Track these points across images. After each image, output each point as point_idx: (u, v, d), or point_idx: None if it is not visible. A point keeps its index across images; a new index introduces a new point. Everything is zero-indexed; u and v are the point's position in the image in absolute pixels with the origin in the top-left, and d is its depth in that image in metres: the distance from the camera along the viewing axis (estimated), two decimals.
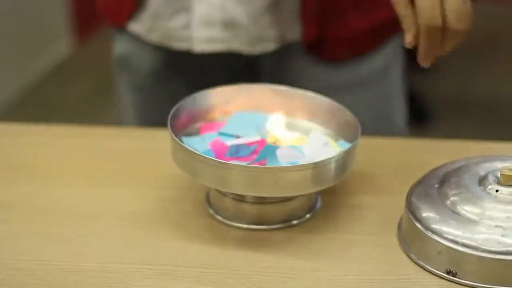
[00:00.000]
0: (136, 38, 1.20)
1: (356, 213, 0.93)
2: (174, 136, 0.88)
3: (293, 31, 1.14)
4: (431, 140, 1.09)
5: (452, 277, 0.81)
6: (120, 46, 1.24)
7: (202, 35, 1.13)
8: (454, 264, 0.81)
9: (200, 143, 0.91)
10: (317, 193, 0.93)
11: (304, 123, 0.96)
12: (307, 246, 0.87)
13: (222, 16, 1.11)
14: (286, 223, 0.90)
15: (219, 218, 0.91)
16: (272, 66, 1.19)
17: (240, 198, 0.89)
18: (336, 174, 0.87)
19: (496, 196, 0.83)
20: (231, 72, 1.18)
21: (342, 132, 0.93)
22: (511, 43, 3.31)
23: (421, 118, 2.74)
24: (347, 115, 0.93)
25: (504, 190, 0.84)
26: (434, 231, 0.82)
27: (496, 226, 0.81)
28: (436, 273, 0.82)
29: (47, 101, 3.00)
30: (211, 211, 0.92)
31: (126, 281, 0.82)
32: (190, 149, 0.86)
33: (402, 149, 1.06)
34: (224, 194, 0.90)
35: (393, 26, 1.04)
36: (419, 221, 0.84)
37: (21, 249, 0.87)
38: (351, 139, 0.90)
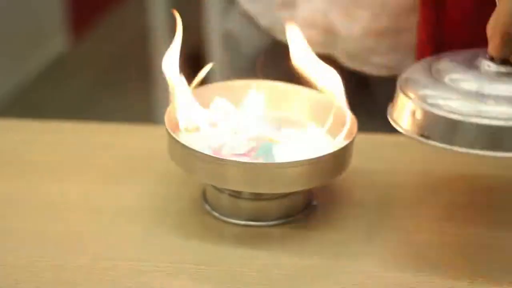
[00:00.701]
0: (247, 17, 1.19)
1: (353, 209, 0.92)
2: (171, 132, 0.87)
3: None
4: None
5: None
6: (229, 22, 1.24)
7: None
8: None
9: (198, 140, 0.91)
10: (315, 189, 0.92)
11: (301, 119, 0.96)
12: (304, 243, 0.86)
13: (323, 21, 1.10)
14: (283, 219, 0.89)
15: (216, 214, 0.90)
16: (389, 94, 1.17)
17: (236, 195, 0.89)
18: (334, 171, 0.87)
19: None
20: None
21: (339, 128, 0.93)
22: None
23: None
24: (345, 111, 0.92)
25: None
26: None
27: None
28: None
29: (43, 98, 2.99)
30: (208, 208, 0.91)
31: (121, 278, 0.82)
32: (187, 145, 0.86)
33: (400, 145, 1.06)
34: (220, 191, 0.90)
35: None
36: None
37: (14, 245, 0.86)
38: (348, 135, 0.89)
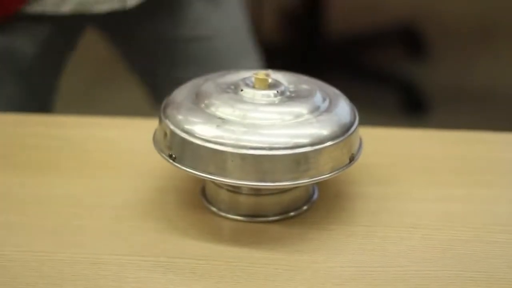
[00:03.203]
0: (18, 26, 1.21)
1: (353, 203, 0.92)
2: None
3: None
4: (430, 130, 1.08)
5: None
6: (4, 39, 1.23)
7: None
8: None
9: None
10: (314, 184, 0.92)
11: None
12: (304, 238, 0.86)
13: None
14: (283, 215, 0.89)
15: (215, 210, 0.90)
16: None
17: (235, 190, 0.89)
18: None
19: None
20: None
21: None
22: (508, 32, 3.31)
23: (417, 108, 2.74)
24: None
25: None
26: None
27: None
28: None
29: None
30: (207, 203, 0.91)
31: (121, 272, 0.81)
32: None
33: (400, 139, 1.06)
34: (219, 186, 0.89)
35: None
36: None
37: (14, 240, 0.86)
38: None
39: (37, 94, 1.28)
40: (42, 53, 1.24)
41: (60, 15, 1.20)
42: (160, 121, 0.87)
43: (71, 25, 1.26)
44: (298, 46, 3.00)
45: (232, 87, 0.88)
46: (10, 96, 1.27)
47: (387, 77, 2.88)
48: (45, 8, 1.19)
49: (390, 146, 1.03)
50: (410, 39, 3.05)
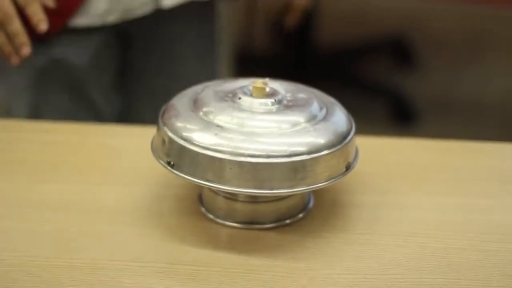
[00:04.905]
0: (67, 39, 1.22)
1: (349, 211, 0.93)
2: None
3: None
4: (424, 140, 1.09)
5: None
6: (54, 51, 1.23)
7: None
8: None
9: None
10: (310, 192, 0.93)
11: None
12: (301, 245, 0.87)
13: None
14: (279, 222, 0.90)
15: (212, 217, 0.90)
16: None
17: (232, 197, 0.89)
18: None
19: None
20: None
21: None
22: (495, 43, 3.32)
23: (406, 118, 2.75)
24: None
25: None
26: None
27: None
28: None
29: None
30: (204, 210, 0.91)
31: (118, 278, 0.82)
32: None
33: (396, 148, 1.07)
34: (216, 193, 0.90)
35: None
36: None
37: (13, 245, 0.86)
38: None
39: (92, 107, 1.28)
40: (93, 65, 1.24)
41: (107, 25, 1.21)
42: (158, 128, 0.88)
43: (117, 32, 1.26)
44: (289, 57, 3.00)
45: (230, 95, 0.89)
46: (66, 110, 1.27)
47: (376, 87, 2.89)
48: (92, 21, 1.20)
49: (386, 155, 1.04)
50: (400, 50, 3.07)
